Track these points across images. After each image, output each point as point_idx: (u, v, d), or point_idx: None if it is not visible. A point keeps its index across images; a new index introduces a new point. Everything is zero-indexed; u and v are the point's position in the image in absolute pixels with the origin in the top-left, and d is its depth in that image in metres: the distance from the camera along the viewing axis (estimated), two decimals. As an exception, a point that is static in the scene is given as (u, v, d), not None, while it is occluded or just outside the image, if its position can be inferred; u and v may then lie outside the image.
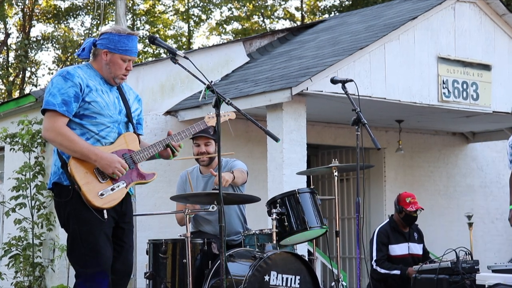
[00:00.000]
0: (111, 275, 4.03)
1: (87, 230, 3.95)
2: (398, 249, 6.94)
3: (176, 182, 5.98)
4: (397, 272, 6.76)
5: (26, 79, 23.76)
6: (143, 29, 23.67)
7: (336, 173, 5.83)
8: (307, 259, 5.19)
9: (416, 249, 7.04)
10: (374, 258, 6.87)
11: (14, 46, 23.28)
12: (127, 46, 4.09)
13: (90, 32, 22.67)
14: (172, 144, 4.23)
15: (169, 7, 24.49)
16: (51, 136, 3.97)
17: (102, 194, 3.97)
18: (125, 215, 4.15)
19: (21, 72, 23.44)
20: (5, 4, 21.37)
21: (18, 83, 23.60)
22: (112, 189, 4.01)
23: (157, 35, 4.30)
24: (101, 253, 3.96)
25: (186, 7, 24.05)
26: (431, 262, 6.59)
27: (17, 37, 23.30)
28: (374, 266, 6.84)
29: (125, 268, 4.15)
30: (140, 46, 22.48)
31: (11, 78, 23.40)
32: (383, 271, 6.80)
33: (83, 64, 4.17)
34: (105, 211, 3.97)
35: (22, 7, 22.89)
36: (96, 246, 3.95)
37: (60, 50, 23.54)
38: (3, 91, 23.78)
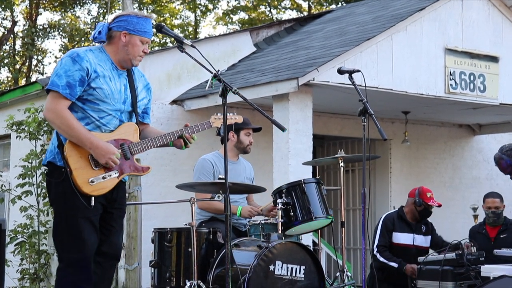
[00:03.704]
0: (99, 257, 4.06)
1: (73, 215, 3.96)
2: (402, 238, 6.94)
3: (182, 170, 5.99)
4: (394, 264, 6.75)
5: (33, 67, 23.80)
6: (149, 18, 23.63)
7: (342, 164, 5.83)
8: (312, 249, 5.19)
9: (422, 241, 7.03)
10: (376, 243, 6.87)
11: (20, 34, 23.31)
12: (145, 28, 4.12)
13: (96, 20, 22.67)
14: (185, 136, 4.26)
15: (176, -4, 24.47)
16: (51, 117, 4.00)
17: (92, 181, 3.97)
18: (115, 201, 4.14)
19: (28, 60, 23.46)
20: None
21: (24, 71, 23.64)
22: (104, 178, 4.00)
23: (164, 24, 4.29)
24: (84, 240, 3.96)
25: (193, -4, 24.02)
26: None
27: (24, 25, 23.33)
28: (375, 252, 6.84)
29: (112, 251, 4.17)
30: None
31: (17, 66, 23.44)
32: (382, 259, 6.80)
33: (95, 47, 4.14)
34: (92, 198, 3.97)
35: (29, -5, 22.91)
36: (80, 233, 3.95)
37: (67, 39, 23.56)
38: (9, 78, 23.83)
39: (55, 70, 4.01)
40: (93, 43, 4.24)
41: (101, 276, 4.10)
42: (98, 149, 3.95)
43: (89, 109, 4.02)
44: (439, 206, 6.99)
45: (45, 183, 8.60)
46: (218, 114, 4.46)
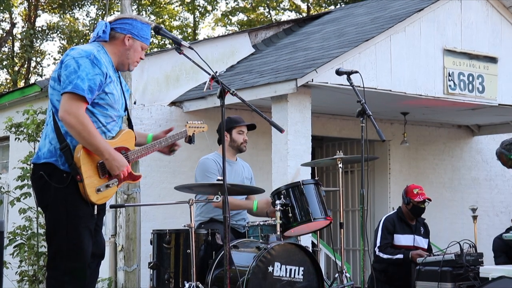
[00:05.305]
0: None
1: (76, 224, 3.89)
2: (403, 239, 6.95)
3: (181, 172, 5.99)
4: (400, 256, 6.75)
5: (32, 69, 23.80)
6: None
7: (340, 165, 5.83)
8: (311, 251, 5.19)
9: (422, 242, 7.04)
10: (378, 244, 6.87)
11: (19, 36, 23.30)
12: (147, 35, 4.11)
13: (95, 22, 22.64)
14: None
15: (175, -3, 24.46)
16: (72, 122, 3.79)
17: (99, 190, 3.91)
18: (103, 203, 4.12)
19: (27, 62, 23.47)
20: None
21: (23, 73, 23.63)
22: (107, 186, 3.95)
23: (162, 26, 4.32)
24: (84, 249, 3.91)
25: (192, -3, 24.02)
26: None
27: (23, 27, 23.34)
28: (377, 252, 6.84)
29: (99, 252, 4.14)
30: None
31: (16, 68, 23.43)
32: (386, 256, 6.80)
33: (97, 45, 4.03)
34: (95, 207, 3.93)
35: (28, -4, 22.91)
36: (81, 243, 3.90)
37: (66, 40, 23.56)
38: (8, 80, 23.83)
39: (74, 71, 3.82)
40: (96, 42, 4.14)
41: (90, 276, 4.06)
42: (115, 161, 3.88)
43: (98, 113, 3.93)
44: (429, 200, 6.99)
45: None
46: (189, 122, 4.54)
